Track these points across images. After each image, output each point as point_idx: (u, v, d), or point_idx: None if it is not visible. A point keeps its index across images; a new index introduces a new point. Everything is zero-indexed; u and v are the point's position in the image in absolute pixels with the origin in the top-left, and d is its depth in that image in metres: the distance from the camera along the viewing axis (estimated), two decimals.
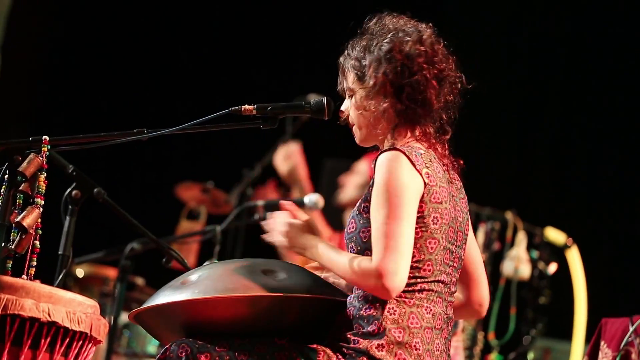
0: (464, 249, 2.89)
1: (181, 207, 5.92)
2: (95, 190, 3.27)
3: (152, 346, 5.27)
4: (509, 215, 5.69)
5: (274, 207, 4.76)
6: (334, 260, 2.74)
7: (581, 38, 6.94)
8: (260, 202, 4.70)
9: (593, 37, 6.88)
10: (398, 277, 2.63)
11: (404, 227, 2.67)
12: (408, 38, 2.84)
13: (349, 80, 2.91)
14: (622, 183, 6.76)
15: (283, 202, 2.95)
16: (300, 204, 4.79)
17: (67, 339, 2.69)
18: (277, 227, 2.87)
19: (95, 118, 7.14)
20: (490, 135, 6.59)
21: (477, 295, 2.96)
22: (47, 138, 2.86)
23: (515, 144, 7.03)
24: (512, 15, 7.09)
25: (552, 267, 5.72)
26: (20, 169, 2.81)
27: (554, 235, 5.83)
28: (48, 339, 2.66)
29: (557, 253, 5.82)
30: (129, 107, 7.21)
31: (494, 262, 5.64)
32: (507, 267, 5.62)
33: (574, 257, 5.85)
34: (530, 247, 5.70)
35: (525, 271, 5.62)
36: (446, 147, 2.90)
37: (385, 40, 2.85)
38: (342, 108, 2.95)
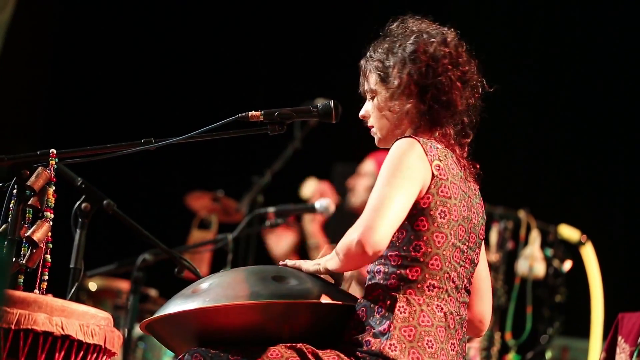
0: (478, 254, 2.87)
1: (192, 216, 5.92)
2: (105, 202, 3.27)
3: (167, 358, 5.26)
4: (522, 214, 5.67)
5: (285, 213, 4.76)
6: (329, 256, 2.75)
7: (593, 35, 6.92)
8: (271, 209, 4.69)
9: (605, 35, 6.86)
10: (375, 232, 2.61)
11: (395, 194, 2.66)
12: (433, 39, 2.86)
13: (370, 81, 2.91)
14: (634, 178, 6.74)
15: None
16: (311, 209, 4.78)
17: (82, 352, 2.69)
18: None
19: (102, 129, 7.14)
20: (502, 134, 6.57)
21: (479, 311, 2.94)
22: (55, 151, 2.86)
23: (527, 142, 7.01)
24: (525, 11, 7.08)
25: (567, 265, 5.70)
26: (28, 183, 2.81)
27: (568, 232, 5.81)
28: (62, 353, 2.66)
29: (572, 250, 5.80)
30: (136, 117, 7.22)
31: (508, 262, 5.62)
32: (522, 266, 5.60)
33: (588, 254, 5.83)
34: (544, 245, 5.68)
35: (540, 270, 5.60)
36: (465, 150, 2.90)
37: (409, 42, 2.85)
38: (362, 111, 2.95)
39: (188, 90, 7.40)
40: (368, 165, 5.57)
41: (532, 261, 5.59)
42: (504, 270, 5.59)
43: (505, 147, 6.74)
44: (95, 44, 7.43)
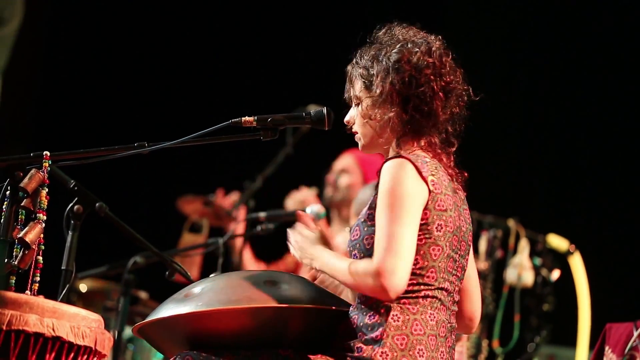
0: (467, 260, 2.89)
1: (183, 220, 5.92)
2: (97, 204, 3.27)
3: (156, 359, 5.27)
4: (511, 223, 5.70)
5: (276, 218, 4.78)
6: (336, 266, 2.75)
7: (582, 45, 6.95)
8: (262, 214, 4.70)
9: (594, 45, 6.89)
10: (396, 276, 2.64)
11: (405, 230, 2.68)
12: (417, 49, 2.86)
13: (356, 88, 2.92)
14: (623, 188, 6.76)
15: (300, 213, 2.96)
16: None
17: (72, 354, 2.69)
18: (292, 238, 2.88)
19: (95, 132, 7.14)
20: (491, 143, 6.60)
21: (469, 309, 2.96)
22: (48, 153, 2.87)
23: (516, 151, 7.03)
24: (515, 20, 7.10)
25: (555, 274, 5.72)
26: (21, 185, 2.82)
27: (557, 242, 5.83)
28: (53, 354, 2.66)
29: (560, 260, 5.82)
30: (130, 121, 7.22)
31: (496, 270, 5.64)
32: (510, 275, 5.62)
33: (576, 264, 5.85)
34: (532, 254, 5.70)
35: (528, 278, 5.62)
36: (451, 158, 2.91)
37: (394, 51, 2.87)
38: (347, 117, 2.96)
39: (181, 95, 7.40)
40: (346, 160, 5.58)
41: (521, 270, 5.61)
42: (492, 278, 5.61)
43: (495, 156, 6.76)
44: (88, 46, 7.43)
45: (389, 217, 2.69)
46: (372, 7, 7.10)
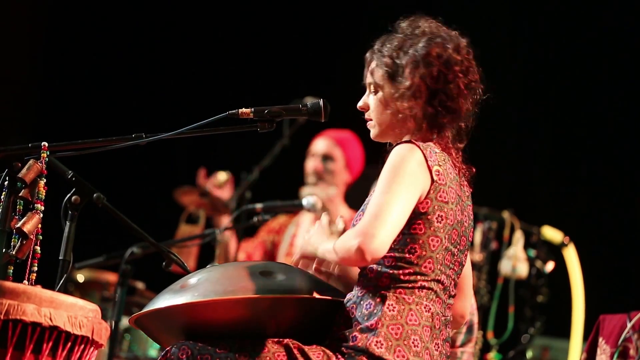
0: (466, 256, 2.91)
1: (180, 211, 5.93)
2: (95, 195, 3.28)
3: (153, 350, 5.29)
4: (506, 215, 5.71)
5: (272, 209, 4.79)
6: (328, 247, 2.77)
7: (579, 39, 6.95)
8: (259, 205, 4.71)
9: (591, 38, 6.89)
10: (376, 239, 2.64)
11: (395, 201, 2.68)
12: (447, 45, 2.87)
13: (376, 76, 2.91)
14: (617, 181, 6.78)
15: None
16: (298, 206, 4.81)
17: (69, 343, 2.70)
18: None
19: (93, 123, 7.15)
20: (487, 135, 6.60)
21: (460, 306, 2.97)
22: (46, 144, 2.88)
23: (512, 143, 7.04)
24: (512, 12, 7.10)
25: (550, 266, 5.74)
26: (20, 175, 2.83)
27: (551, 233, 5.85)
28: (50, 344, 2.67)
29: (555, 251, 5.83)
30: (127, 112, 7.22)
31: (491, 262, 5.66)
32: (505, 266, 5.63)
33: (571, 255, 5.87)
34: (527, 246, 5.72)
35: (522, 270, 5.64)
36: (460, 154, 2.92)
37: (422, 44, 2.86)
38: (361, 102, 2.95)
39: (179, 87, 7.41)
40: (326, 144, 5.54)
41: (515, 261, 5.63)
42: (487, 270, 5.63)
43: (491, 148, 6.77)
44: (87, 37, 7.43)
45: (384, 188, 2.71)
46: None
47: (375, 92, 2.92)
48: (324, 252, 2.80)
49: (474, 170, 2.95)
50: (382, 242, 2.65)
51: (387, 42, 2.91)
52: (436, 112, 2.85)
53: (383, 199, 2.69)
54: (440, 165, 2.79)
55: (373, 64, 2.92)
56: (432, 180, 2.77)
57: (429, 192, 2.76)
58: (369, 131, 2.97)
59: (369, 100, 2.94)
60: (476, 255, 5.55)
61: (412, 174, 2.73)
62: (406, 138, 2.87)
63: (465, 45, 2.92)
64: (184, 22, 7.49)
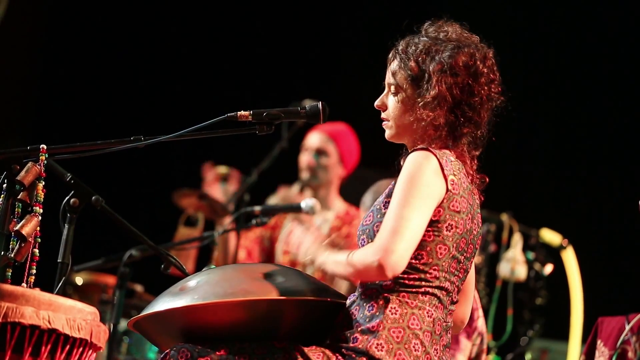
0: (471, 262, 2.91)
1: (179, 213, 5.93)
2: (93, 198, 3.29)
3: (152, 352, 5.28)
4: (505, 217, 5.72)
5: (271, 212, 4.79)
6: (337, 260, 2.76)
7: (576, 40, 6.96)
8: (257, 208, 4.71)
9: (591, 38, 6.90)
10: (395, 255, 2.64)
11: (414, 215, 2.68)
12: (475, 56, 2.86)
13: (398, 77, 2.88)
14: (616, 183, 6.78)
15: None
16: (297, 209, 4.80)
17: (68, 346, 2.69)
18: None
19: (92, 126, 7.15)
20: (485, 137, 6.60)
21: (462, 311, 2.97)
22: (45, 147, 2.88)
23: (511, 146, 7.05)
24: (509, 16, 7.11)
25: (548, 268, 5.74)
26: (18, 177, 2.83)
27: (550, 236, 5.85)
28: (49, 346, 2.66)
29: (553, 254, 5.84)
30: (126, 115, 7.23)
31: (490, 264, 5.66)
32: (504, 269, 5.64)
33: (569, 258, 5.87)
34: (526, 248, 5.72)
35: (521, 272, 5.64)
36: (475, 162, 2.92)
37: (449, 52, 2.84)
38: (379, 101, 2.93)
39: (177, 89, 7.41)
40: (320, 139, 5.51)
41: (514, 264, 5.63)
42: (486, 272, 5.63)
43: (489, 151, 6.77)
44: (86, 40, 7.43)
45: (401, 200, 2.69)
46: (367, 1, 7.11)
47: (396, 94, 2.89)
48: (334, 264, 2.77)
49: (487, 180, 2.94)
50: (401, 257, 2.66)
51: (411, 44, 2.88)
52: (457, 121, 2.84)
53: (401, 212, 2.68)
54: (455, 175, 2.79)
55: (395, 65, 2.90)
56: (447, 190, 2.76)
57: (442, 201, 2.76)
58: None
59: (388, 101, 2.92)
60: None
61: (428, 185, 2.72)
62: (422, 144, 2.85)
63: (491, 56, 2.90)
64: (182, 25, 7.50)
